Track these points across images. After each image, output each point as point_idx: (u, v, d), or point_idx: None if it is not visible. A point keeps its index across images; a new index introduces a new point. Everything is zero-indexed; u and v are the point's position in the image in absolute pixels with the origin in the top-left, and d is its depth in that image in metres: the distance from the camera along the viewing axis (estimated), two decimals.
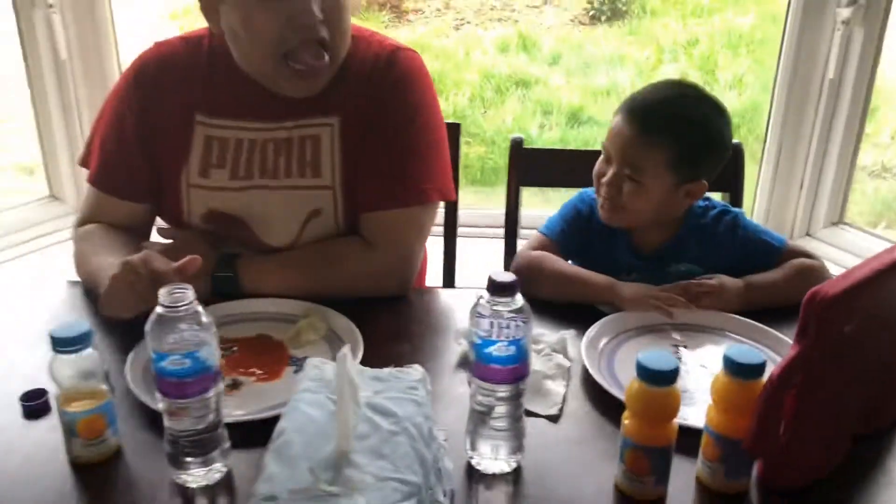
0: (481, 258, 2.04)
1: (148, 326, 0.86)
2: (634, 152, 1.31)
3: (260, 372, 1.12)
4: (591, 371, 1.10)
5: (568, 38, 5.04)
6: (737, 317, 1.26)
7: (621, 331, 1.24)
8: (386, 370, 0.97)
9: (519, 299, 0.88)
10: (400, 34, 4.93)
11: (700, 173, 1.35)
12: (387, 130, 1.33)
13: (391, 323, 1.27)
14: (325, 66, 1.27)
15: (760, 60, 4.60)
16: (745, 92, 4.47)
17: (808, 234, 2.10)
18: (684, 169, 1.32)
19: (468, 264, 1.86)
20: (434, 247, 1.65)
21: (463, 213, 1.78)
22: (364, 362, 1.08)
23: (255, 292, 1.28)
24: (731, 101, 4.19)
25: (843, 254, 2.05)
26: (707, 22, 5.02)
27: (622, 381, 1.10)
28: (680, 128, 1.31)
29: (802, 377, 0.88)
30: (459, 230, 1.76)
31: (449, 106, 4.28)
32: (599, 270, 1.37)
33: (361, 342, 1.15)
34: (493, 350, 0.88)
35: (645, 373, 0.87)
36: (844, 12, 1.83)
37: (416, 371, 0.97)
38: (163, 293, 0.86)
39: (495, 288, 0.87)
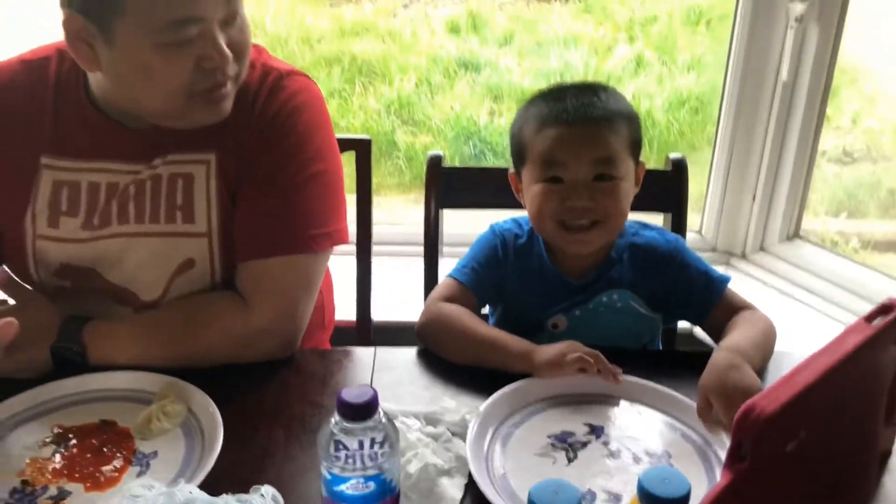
0: (400, 282, 1.85)
1: None
2: (601, 141, 1.14)
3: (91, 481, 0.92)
4: (479, 484, 0.89)
5: (521, 17, 4.81)
6: (650, 384, 1.07)
7: (518, 407, 1.04)
8: (221, 500, 0.77)
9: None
10: (345, 13, 4.68)
11: (639, 151, 1.22)
12: (269, 166, 1.13)
13: (269, 397, 1.07)
14: (232, 86, 1.08)
15: (722, 39, 4.41)
16: (705, 73, 4.28)
17: (761, 250, 1.93)
18: (637, 147, 1.20)
19: (385, 288, 1.67)
20: (345, 270, 1.48)
21: (378, 231, 1.59)
22: (228, 455, 0.90)
23: (106, 363, 1.08)
24: (690, 84, 4.02)
25: (798, 271, 1.88)
26: None
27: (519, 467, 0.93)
28: (624, 102, 1.20)
29: None
30: (375, 248, 1.56)
31: (394, 92, 4.05)
32: (523, 316, 1.23)
33: (221, 433, 0.95)
34: (346, 488, 0.70)
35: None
36: (798, 7, 1.62)
37: (263, 496, 0.78)
38: None
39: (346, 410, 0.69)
